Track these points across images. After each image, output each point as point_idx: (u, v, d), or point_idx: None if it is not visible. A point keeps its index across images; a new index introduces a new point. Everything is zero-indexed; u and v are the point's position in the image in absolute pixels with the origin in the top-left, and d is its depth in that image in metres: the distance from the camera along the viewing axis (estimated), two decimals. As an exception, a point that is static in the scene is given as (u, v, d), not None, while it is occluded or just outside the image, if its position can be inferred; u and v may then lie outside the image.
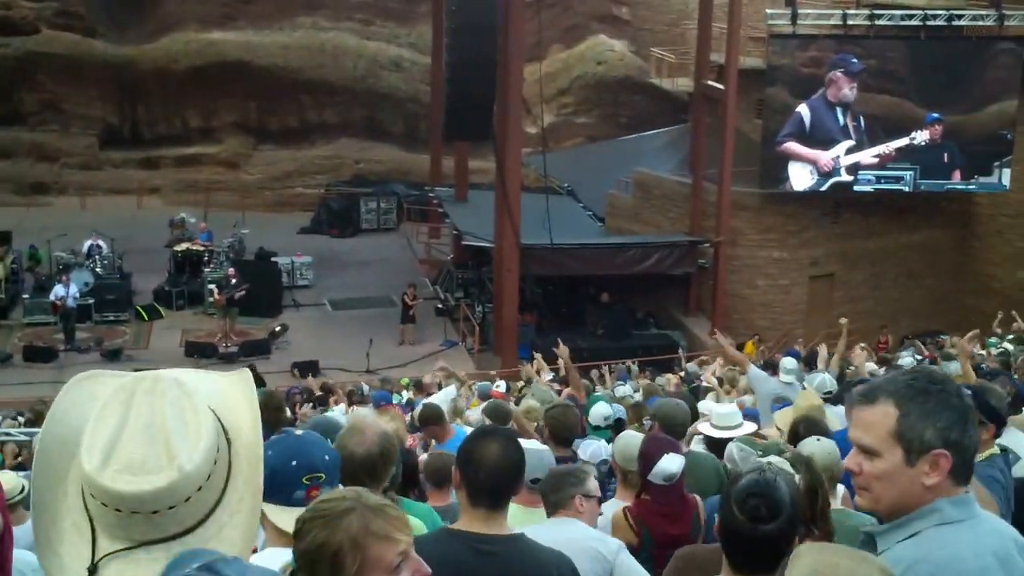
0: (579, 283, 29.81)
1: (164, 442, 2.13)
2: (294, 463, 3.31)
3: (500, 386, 15.21)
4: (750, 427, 7.43)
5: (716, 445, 7.01)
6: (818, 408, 7.09)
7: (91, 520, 2.16)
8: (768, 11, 30.58)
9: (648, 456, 5.66)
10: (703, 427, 7.39)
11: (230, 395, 2.34)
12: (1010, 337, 19.85)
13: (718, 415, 7.32)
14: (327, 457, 3.40)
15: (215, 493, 2.21)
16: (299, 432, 3.56)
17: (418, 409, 9.59)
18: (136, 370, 2.41)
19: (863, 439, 2.74)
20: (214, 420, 2.22)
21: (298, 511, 2.52)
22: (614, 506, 5.84)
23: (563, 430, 6.95)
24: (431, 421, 8.51)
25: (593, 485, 4.90)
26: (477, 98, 25.26)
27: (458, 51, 25.27)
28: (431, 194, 34.38)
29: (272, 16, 37.66)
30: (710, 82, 31.19)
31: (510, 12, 25.18)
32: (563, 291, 29.98)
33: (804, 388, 9.61)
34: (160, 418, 2.16)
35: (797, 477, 3.93)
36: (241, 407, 2.33)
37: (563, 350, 11.27)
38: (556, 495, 4.83)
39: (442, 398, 10.88)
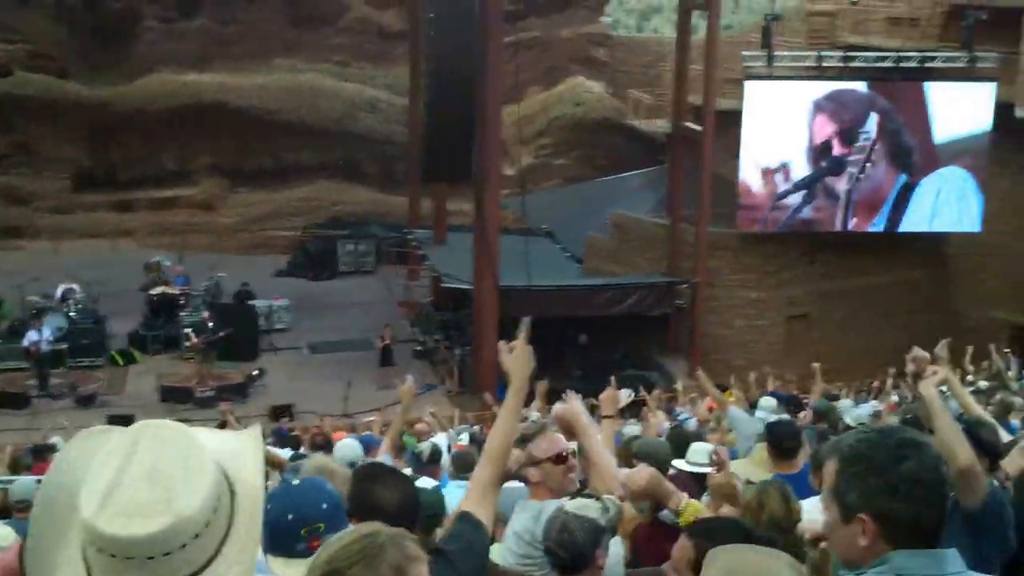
0: (558, 324, 29.78)
1: (164, 487, 2.12)
2: (290, 516, 3.27)
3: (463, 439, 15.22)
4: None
5: (697, 480, 7.11)
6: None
7: (88, 569, 2.14)
8: (744, 53, 30.96)
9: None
10: (678, 463, 7.47)
11: (237, 447, 2.35)
12: (981, 376, 19.99)
13: (693, 451, 7.44)
14: (325, 505, 3.34)
15: (214, 541, 2.19)
16: (296, 481, 3.53)
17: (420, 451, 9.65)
18: (110, 416, 2.45)
19: (821, 491, 2.81)
20: (217, 467, 2.21)
21: (304, 562, 2.54)
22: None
23: None
24: (433, 461, 8.62)
25: (540, 449, 4.79)
26: (455, 140, 25.34)
27: (436, 93, 25.41)
28: (409, 236, 34.44)
29: (249, 58, 37.78)
30: (687, 123, 31.43)
31: (488, 54, 25.33)
32: (542, 332, 29.68)
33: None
34: (162, 464, 2.15)
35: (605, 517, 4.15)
36: (247, 459, 2.34)
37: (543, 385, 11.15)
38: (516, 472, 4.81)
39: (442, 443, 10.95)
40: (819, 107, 29.95)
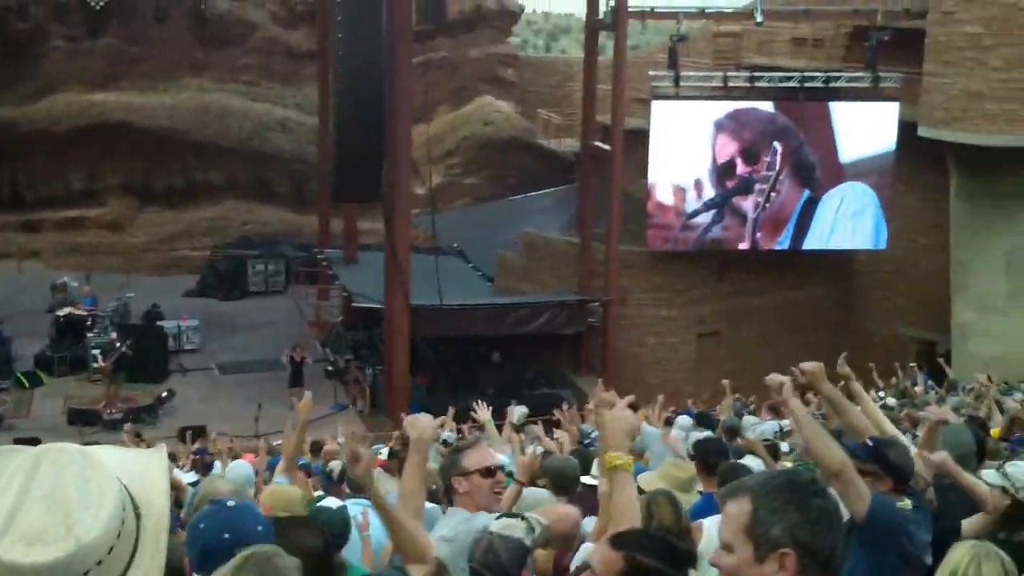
0: (470, 343, 29.85)
1: (64, 512, 2.06)
2: (226, 535, 3.22)
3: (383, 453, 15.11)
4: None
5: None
6: (686, 481, 7.18)
7: None
8: (651, 73, 31.31)
9: None
10: (586, 479, 7.45)
11: (144, 469, 2.30)
12: (890, 392, 20.36)
13: (599, 464, 7.42)
14: (260, 527, 3.31)
15: (119, 567, 2.14)
16: (231, 503, 3.49)
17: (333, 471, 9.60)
18: (16, 439, 2.40)
19: (722, 533, 2.76)
20: (120, 492, 2.16)
21: None
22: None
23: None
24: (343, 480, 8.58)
25: (471, 460, 4.82)
26: (365, 159, 25.28)
27: (346, 112, 25.32)
28: (320, 255, 34.25)
29: (156, 77, 37.36)
30: (596, 142, 31.77)
31: (397, 74, 25.36)
32: (454, 351, 29.97)
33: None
34: (63, 488, 2.09)
35: (531, 537, 4.18)
36: (155, 482, 2.29)
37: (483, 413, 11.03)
38: (443, 482, 4.92)
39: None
40: (720, 127, 30.36)
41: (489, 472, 4.79)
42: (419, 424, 4.68)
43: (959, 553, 4.03)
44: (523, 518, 4.39)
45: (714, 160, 30.49)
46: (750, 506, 2.67)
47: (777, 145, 30.71)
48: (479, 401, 8.73)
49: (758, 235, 31.06)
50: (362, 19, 24.44)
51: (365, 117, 24.78)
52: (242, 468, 9.45)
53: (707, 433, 10.40)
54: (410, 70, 26.62)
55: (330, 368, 29.95)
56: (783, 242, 31.30)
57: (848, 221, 31.33)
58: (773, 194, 30.78)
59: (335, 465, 12.04)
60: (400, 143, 25.84)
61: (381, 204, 27.33)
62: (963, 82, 28.14)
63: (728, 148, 30.49)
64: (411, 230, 28.22)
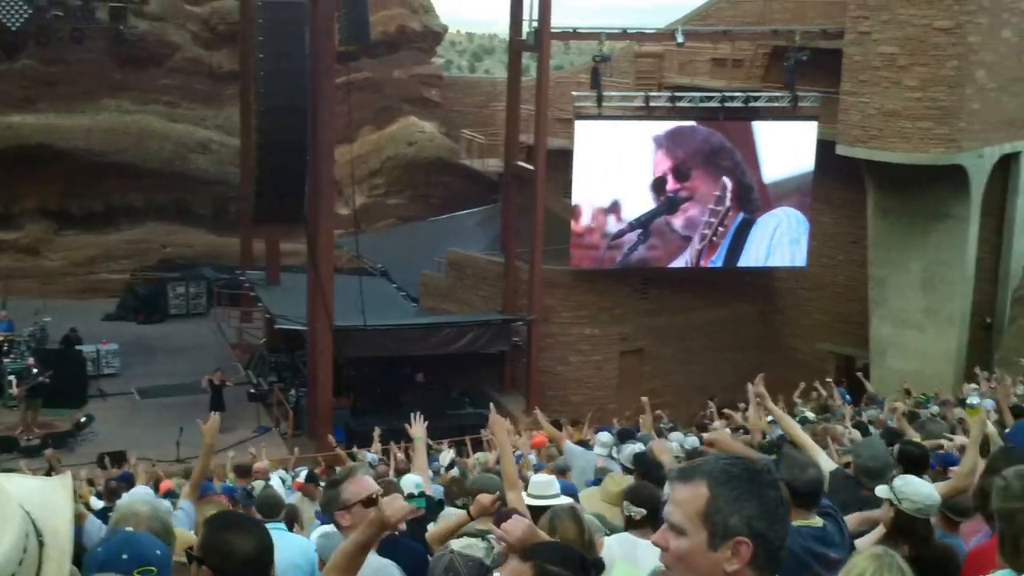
0: (394, 364, 29.78)
1: None
2: (125, 556, 3.30)
3: (301, 475, 15.04)
4: (566, 500, 7.44)
5: (533, 513, 7.04)
6: (619, 494, 7.21)
7: None
8: (574, 93, 31.58)
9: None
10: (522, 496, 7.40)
11: (48, 497, 2.28)
12: (809, 407, 20.64)
13: (535, 483, 7.36)
14: (159, 552, 3.39)
15: None
16: (130, 529, 3.59)
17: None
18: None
19: (672, 516, 2.68)
20: (23, 519, 2.14)
21: None
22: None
23: None
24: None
25: (350, 492, 4.77)
26: (288, 180, 25.13)
27: (268, 133, 25.14)
28: (242, 277, 33.97)
29: (74, 98, 36.82)
30: (520, 162, 31.93)
31: (320, 95, 25.32)
32: (378, 372, 29.88)
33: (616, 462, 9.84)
34: None
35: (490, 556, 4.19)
36: (59, 509, 2.28)
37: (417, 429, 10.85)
38: (328, 519, 4.82)
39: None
40: (659, 143, 30.75)
41: (371, 501, 4.67)
42: (395, 506, 4.33)
43: (860, 562, 4.04)
44: (483, 537, 4.36)
45: (653, 175, 30.89)
46: (707, 492, 2.62)
47: (727, 181, 31.15)
48: (416, 414, 8.51)
49: (690, 255, 31.40)
50: (284, 40, 24.35)
51: (288, 138, 24.65)
52: (140, 494, 9.34)
53: (633, 445, 10.44)
54: (333, 91, 26.60)
55: (253, 391, 29.66)
56: (716, 261, 31.68)
57: (785, 247, 31.91)
58: (720, 228, 31.12)
59: (258, 484, 11.96)
60: (323, 164, 25.77)
61: (304, 225, 27.19)
62: (879, 101, 28.77)
63: (663, 164, 30.87)
64: (335, 251, 28.16)
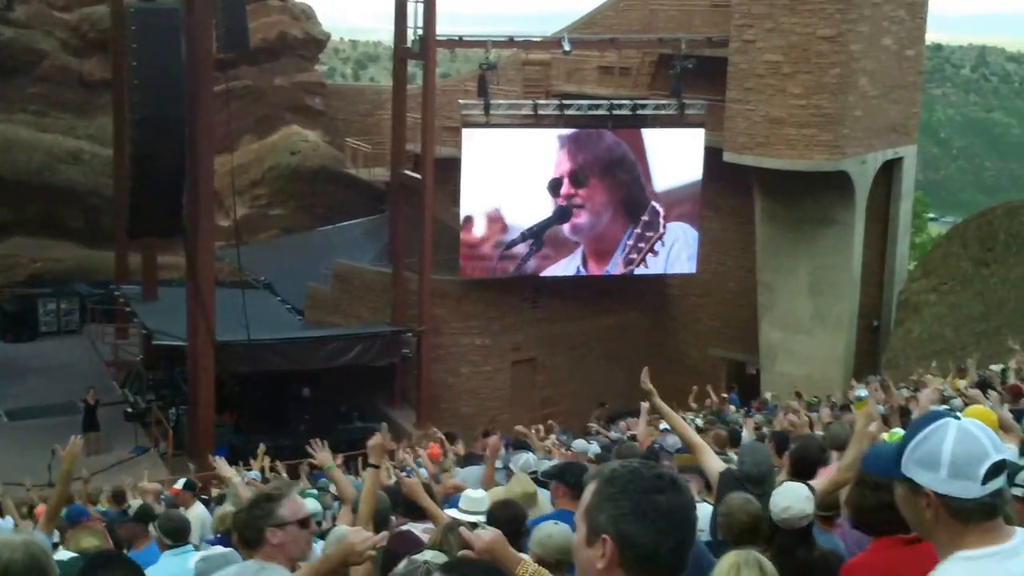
0: (280, 379, 29.43)
1: None
2: None
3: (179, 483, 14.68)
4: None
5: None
6: (531, 495, 7.23)
7: None
8: (461, 101, 31.58)
9: (392, 556, 5.58)
10: (452, 511, 7.31)
11: None
12: (701, 413, 20.85)
13: (469, 499, 7.27)
14: None
15: None
16: None
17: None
18: None
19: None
20: None
21: None
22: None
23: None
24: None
25: (289, 510, 4.57)
26: (165, 192, 24.48)
27: (143, 144, 24.48)
28: (117, 293, 33.21)
29: (-65, 108, 35.69)
30: (407, 171, 31.80)
31: (198, 103, 24.85)
32: (263, 388, 29.51)
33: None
34: None
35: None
36: None
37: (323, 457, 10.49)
38: (247, 531, 4.56)
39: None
40: (562, 143, 31.07)
41: (305, 523, 4.61)
42: (360, 537, 4.32)
43: (724, 562, 4.19)
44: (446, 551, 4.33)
45: (553, 175, 31.04)
46: (593, 488, 2.71)
47: (657, 206, 31.60)
48: (319, 441, 8.04)
49: (585, 265, 31.66)
50: (159, 47, 23.73)
51: (164, 148, 24.04)
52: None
53: (527, 455, 10.41)
54: (211, 99, 26.16)
55: (130, 410, 29.03)
56: (610, 270, 31.92)
57: (682, 261, 32.43)
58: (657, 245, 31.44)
59: (134, 504, 11.63)
60: (202, 174, 25.32)
61: (182, 238, 26.65)
62: (764, 108, 29.38)
63: (563, 166, 31.10)
64: (215, 264, 27.63)
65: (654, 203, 31.78)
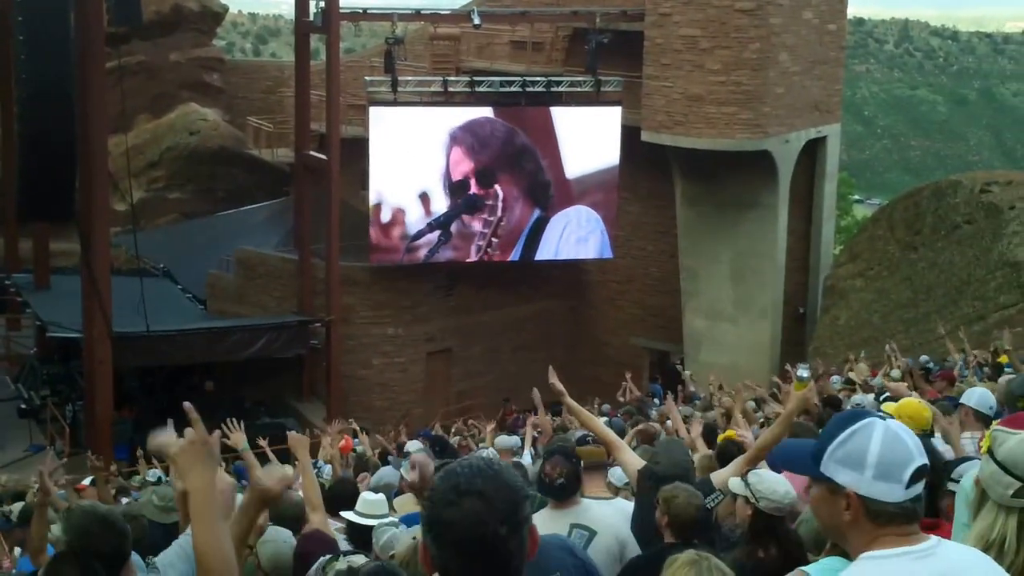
0: (181, 372, 29.30)
1: None
2: None
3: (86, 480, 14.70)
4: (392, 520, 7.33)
5: (360, 532, 6.95)
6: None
7: None
8: (367, 78, 31.44)
9: (305, 558, 5.70)
10: (348, 515, 7.27)
11: None
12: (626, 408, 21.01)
13: (366, 502, 7.23)
14: None
15: None
16: None
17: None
18: None
19: None
20: None
21: None
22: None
23: None
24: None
25: None
26: (55, 174, 24.19)
27: (31, 123, 24.21)
28: (7, 282, 32.72)
29: None
30: (312, 152, 31.66)
31: (89, 80, 24.61)
32: (163, 382, 29.35)
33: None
34: None
35: None
36: None
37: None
38: None
39: None
40: (455, 139, 30.68)
41: None
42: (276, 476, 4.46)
43: (679, 568, 4.15)
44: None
45: (448, 174, 30.78)
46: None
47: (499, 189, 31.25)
48: (231, 421, 7.41)
49: (488, 252, 31.55)
50: (46, 21, 23.49)
51: (54, 128, 23.76)
52: None
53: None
54: (104, 76, 25.89)
55: (24, 406, 28.69)
56: (514, 256, 31.93)
57: (571, 245, 32.26)
58: (503, 221, 31.37)
59: (16, 507, 11.60)
60: (95, 156, 25.08)
61: (75, 223, 26.43)
62: (682, 85, 29.53)
63: (463, 166, 30.84)
64: (111, 251, 27.52)
65: (551, 185, 31.63)
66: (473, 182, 30.99)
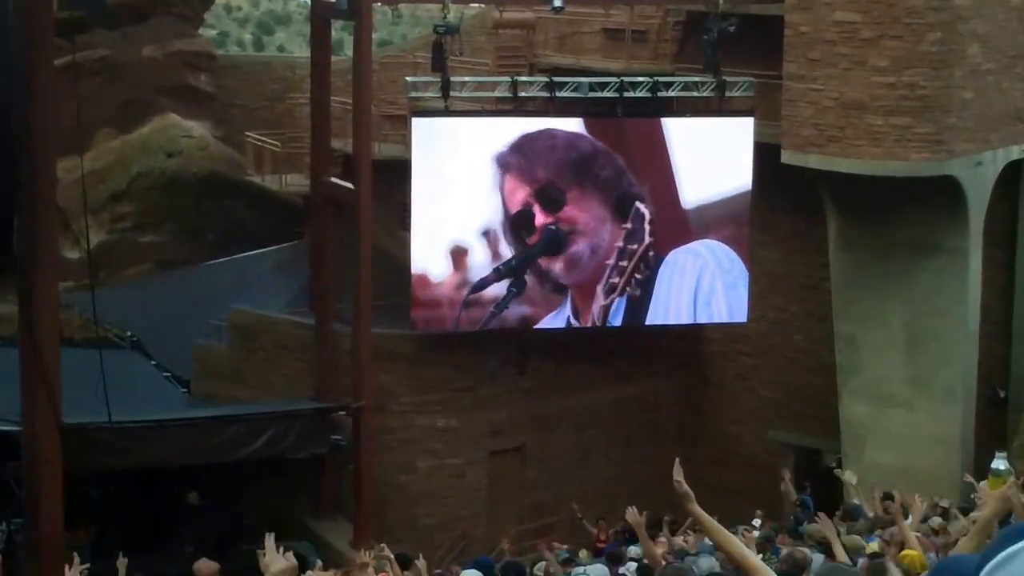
0: (157, 479, 29.39)
1: None
2: None
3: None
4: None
5: None
6: None
7: None
8: (409, 79, 31.32)
9: None
10: None
11: None
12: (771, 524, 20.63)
13: None
14: None
15: None
16: None
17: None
18: None
19: None
20: None
21: None
22: None
23: None
24: None
25: None
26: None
27: (-43, 140, 24.18)
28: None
29: None
30: (334, 179, 31.72)
31: (32, 83, 24.36)
32: (133, 492, 29.45)
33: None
34: None
35: None
36: None
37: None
38: None
39: None
40: (505, 165, 30.55)
41: None
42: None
43: None
44: None
45: (506, 210, 30.63)
46: None
47: (640, 206, 30.97)
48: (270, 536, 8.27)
49: (575, 312, 31.27)
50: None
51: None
52: None
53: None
54: (53, 77, 25.63)
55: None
56: (613, 319, 31.51)
57: (719, 296, 31.95)
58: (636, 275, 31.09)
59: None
60: (41, 184, 24.82)
61: (13, 276, 26.38)
62: (837, 89, 29.01)
63: (519, 193, 30.69)
64: (60, 313, 27.37)
65: (638, 203, 31.23)
66: (537, 208, 30.72)
